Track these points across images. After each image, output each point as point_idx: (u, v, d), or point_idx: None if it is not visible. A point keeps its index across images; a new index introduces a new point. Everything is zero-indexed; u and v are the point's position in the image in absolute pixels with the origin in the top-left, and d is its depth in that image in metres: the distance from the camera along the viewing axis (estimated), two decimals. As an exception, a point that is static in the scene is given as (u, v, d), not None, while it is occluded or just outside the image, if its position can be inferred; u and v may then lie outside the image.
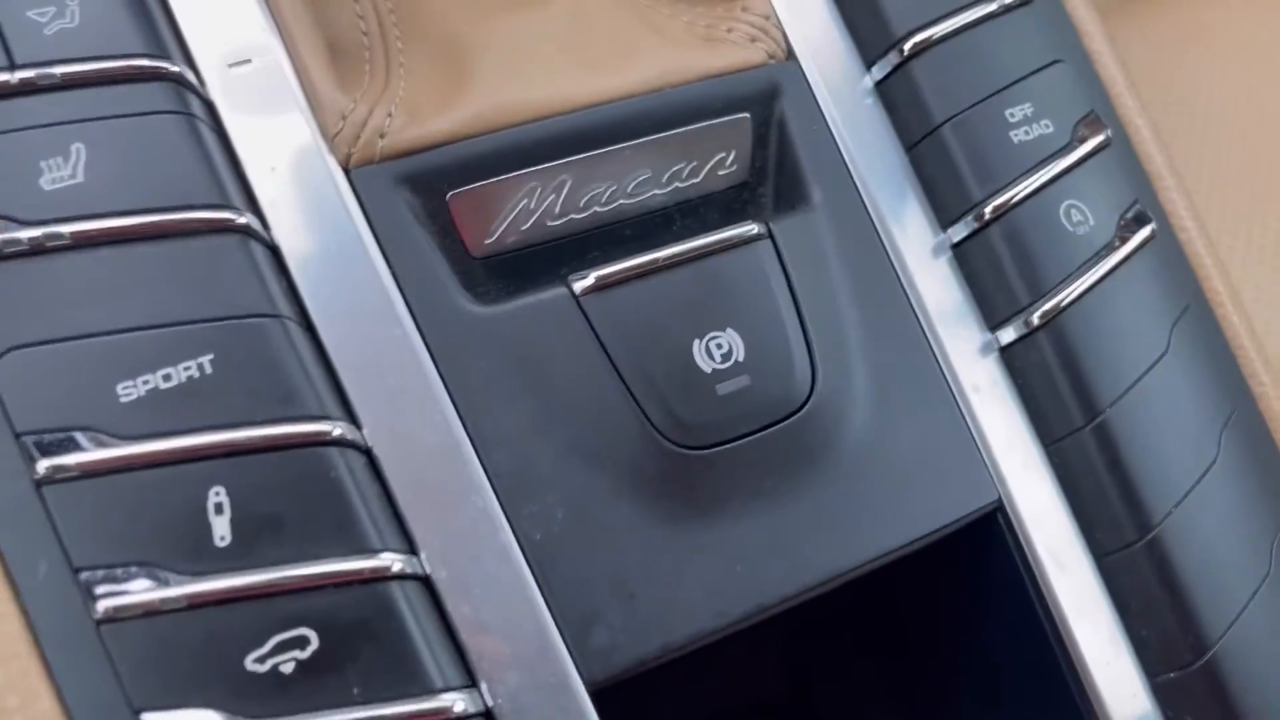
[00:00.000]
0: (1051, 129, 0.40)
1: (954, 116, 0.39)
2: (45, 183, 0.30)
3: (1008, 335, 0.38)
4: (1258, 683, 0.37)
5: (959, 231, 0.39)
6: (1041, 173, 0.39)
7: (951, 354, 0.38)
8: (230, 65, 0.34)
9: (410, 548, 0.31)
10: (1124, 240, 0.40)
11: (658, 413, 0.33)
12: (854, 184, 0.39)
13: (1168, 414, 0.38)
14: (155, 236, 0.30)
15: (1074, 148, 0.40)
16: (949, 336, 0.38)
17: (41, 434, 0.28)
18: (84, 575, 0.28)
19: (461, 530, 0.31)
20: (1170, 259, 0.42)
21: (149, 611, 0.28)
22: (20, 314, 0.29)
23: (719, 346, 0.35)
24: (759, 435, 0.34)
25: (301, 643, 0.28)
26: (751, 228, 0.36)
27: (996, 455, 0.37)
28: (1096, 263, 0.39)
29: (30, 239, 0.29)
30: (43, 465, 0.28)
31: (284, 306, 0.31)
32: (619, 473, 0.33)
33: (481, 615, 0.31)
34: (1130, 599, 0.37)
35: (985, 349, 0.38)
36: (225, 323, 0.30)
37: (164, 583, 0.28)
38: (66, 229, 0.30)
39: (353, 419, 0.31)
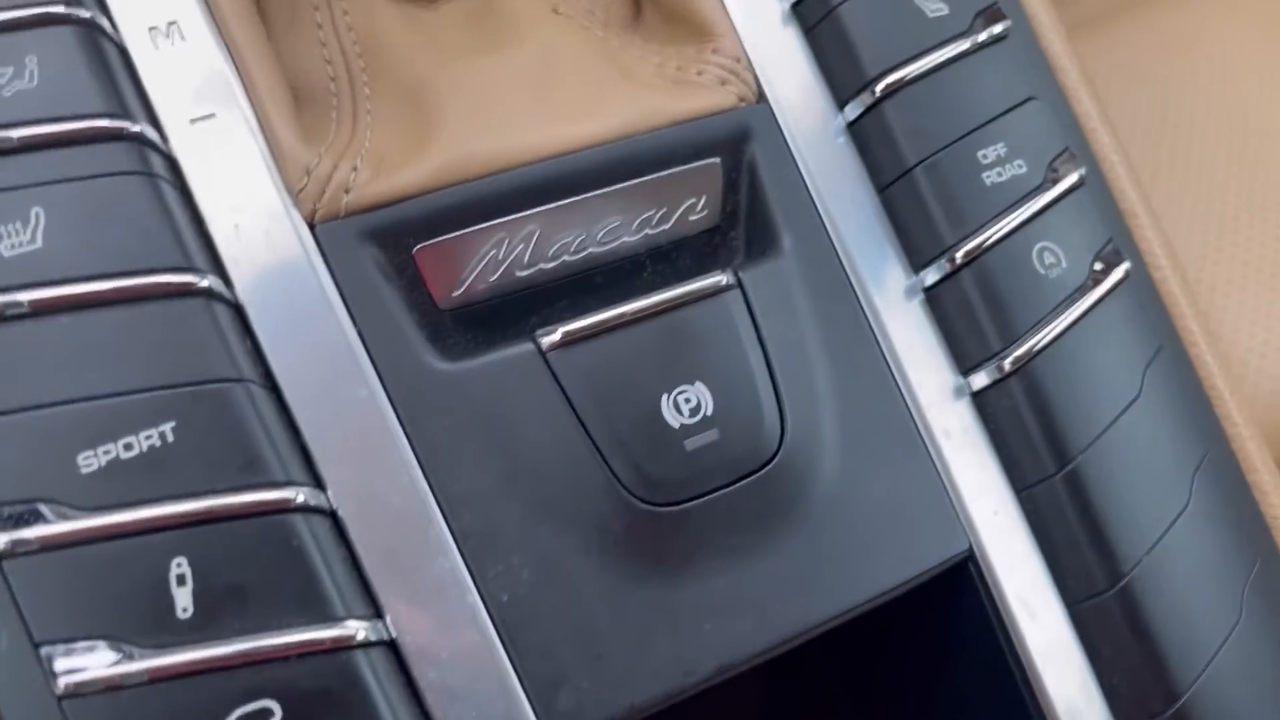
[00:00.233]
0: (1025, 169, 0.40)
1: (926, 159, 0.39)
2: (3, 249, 0.30)
3: (980, 380, 0.38)
4: (1229, 729, 0.37)
5: (931, 275, 0.39)
6: (1014, 215, 0.39)
7: (923, 400, 0.38)
8: (193, 120, 0.34)
9: (376, 612, 0.31)
10: (1097, 282, 0.40)
11: (625, 470, 0.33)
12: (825, 228, 0.39)
13: (1140, 459, 0.38)
14: (116, 302, 0.30)
15: (1047, 188, 0.40)
16: (920, 382, 0.38)
17: (1, 507, 0.28)
18: (44, 650, 0.28)
19: (428, 593, 0.31)
20: (1144, 299, 0.42)
21: (110, 686, 0.28)
22: (-23, 384, 0.29)
23: (687, 401, 0.34)
24: (728, 490, 0.34)
25: (265, 715, 0.28)
26: (720, 278, 0.36)
27: (967, 503, 0.37)
28: (1069, 306, 0.39)
29: (-12, 308, 0.29)
30: (2, 539, 0.28)
31: (247, 369, 0.31)
32: (586, 532, 0.33)
33: (448, 679, 0.31)
34: (1101, 647, 0.37)
35: (957, 394, 0.38)
36: (187, 389, 0.30)
37: (127, 656, 0.28)
38: (25, 297, 0.29)
39: (318, 482, 0.31)
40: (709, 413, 0.35)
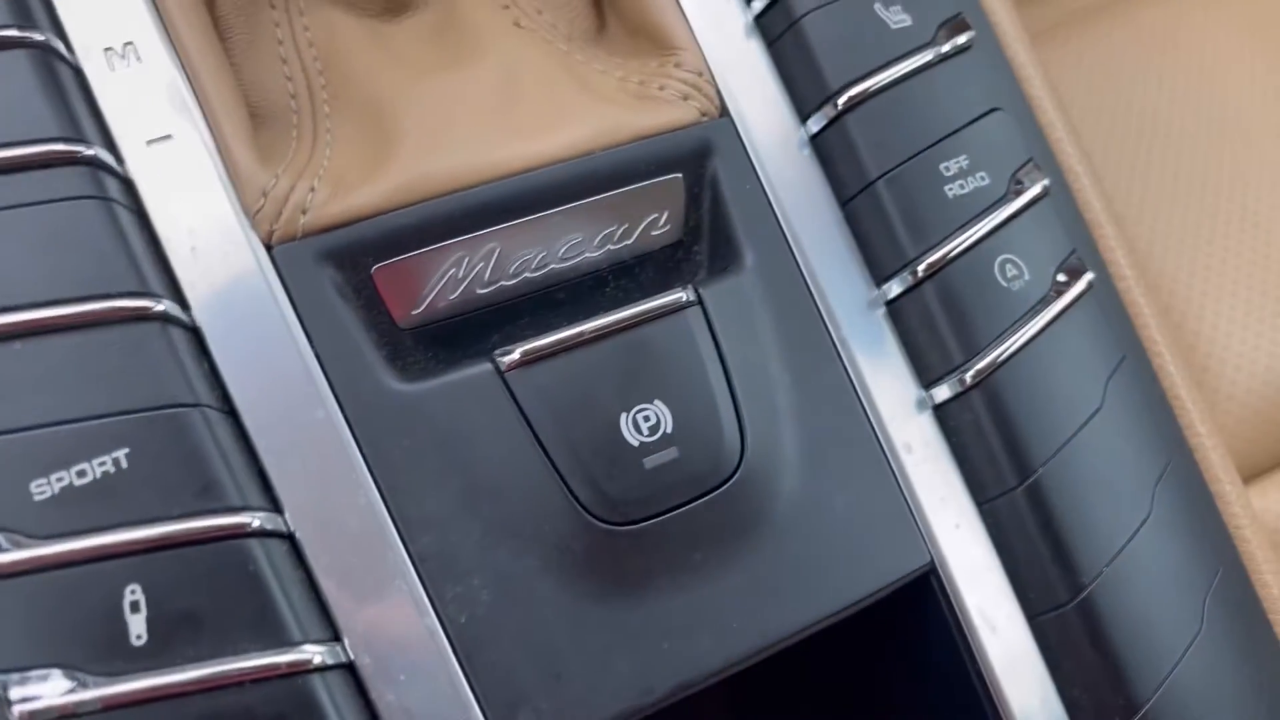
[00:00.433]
0: (988, 181, 0.40)
1: (888, 172, 0.39)
2: (-44, 276, 0.30)
3: (942, 394, 0.38)
4: (1189, 741, 0.37)
5: (893, 288, 0.39)
6: (976, 228, 0.39)
7: (884, 414, 0.38)
8: (149, 142, 0.33)
9: (334, 635, 0.31)
10: (1060, 293, 0.40)
11: (584, 489, 0.33)
12: (787, 242, 0.39)
13: (1101, 471, 0.38)
14: (70, 328, 0.30)
15: (1010, 200, 0.40)
16: (882, 396, 0.38)
17: (-46, 536, 0.28)
18: (-1, 679, 0.28)
19: (386, 615, 0.31)
20: (1108, 309, 0.42)
21: (64, 715, 0.28)
22: (-70, 413, 0.29)
23: (647, 419, 0.34)
24: (687, 508, 0.34)
25: (220, 741, 0.29)
26: (680, 295, 0.36)
27: (929, 516, 0.37)
28: (1031, 318, 0.39)
29: (-61, 337, 0.29)
30: (-45, 569, 0.28)
31: (203, 393, 0.31)
32: (545, 552, 0.33)
33: (405, 702, 0.31)
34: (1062, 659, 0.37)
35: (919, 407, 0.39)
36: (141, 415, 0.30)
37: (81, 684, 0.28)
38: (-23, 324, 0.29)
39: (275, 505, 0.31)
40: (668, 430, 0.35)
